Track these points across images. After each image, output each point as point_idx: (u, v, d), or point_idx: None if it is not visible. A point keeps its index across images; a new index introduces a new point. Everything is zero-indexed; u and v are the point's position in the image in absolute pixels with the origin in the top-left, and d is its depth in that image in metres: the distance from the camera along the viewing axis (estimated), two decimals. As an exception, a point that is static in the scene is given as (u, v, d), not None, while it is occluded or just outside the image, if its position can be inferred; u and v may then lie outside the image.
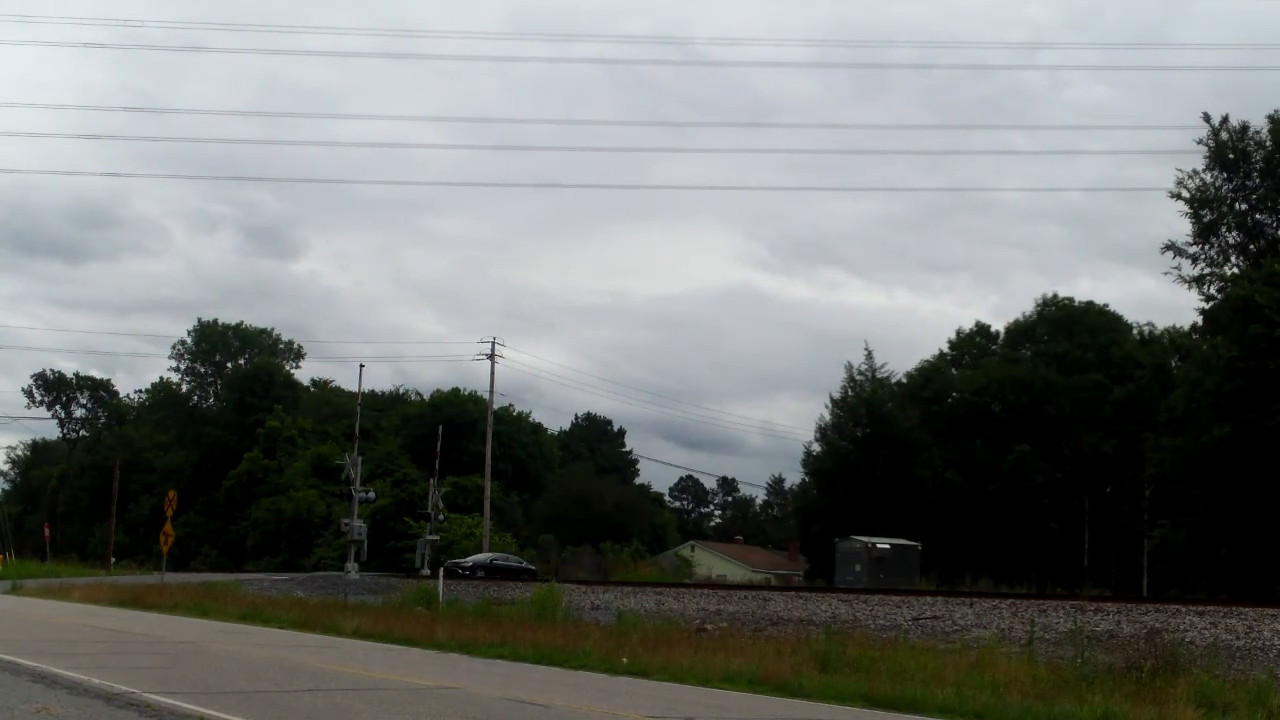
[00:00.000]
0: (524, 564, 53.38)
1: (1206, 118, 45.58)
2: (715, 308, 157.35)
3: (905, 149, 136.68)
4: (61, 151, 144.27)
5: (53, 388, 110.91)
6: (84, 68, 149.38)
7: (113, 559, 70.19)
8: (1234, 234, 46.04)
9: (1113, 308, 65.35)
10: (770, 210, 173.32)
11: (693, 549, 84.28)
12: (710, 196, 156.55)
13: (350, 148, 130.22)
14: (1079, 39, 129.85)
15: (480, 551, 57.38)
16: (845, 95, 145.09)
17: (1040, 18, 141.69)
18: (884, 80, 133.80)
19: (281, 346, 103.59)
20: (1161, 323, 59.92)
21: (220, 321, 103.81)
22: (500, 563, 51.28)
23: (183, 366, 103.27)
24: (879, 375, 62.40)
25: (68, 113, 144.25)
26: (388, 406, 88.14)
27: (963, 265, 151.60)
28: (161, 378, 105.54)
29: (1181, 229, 46.31)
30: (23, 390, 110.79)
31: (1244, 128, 45.23)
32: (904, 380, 63.37)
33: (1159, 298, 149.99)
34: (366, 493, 51.02)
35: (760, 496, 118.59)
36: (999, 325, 68.75)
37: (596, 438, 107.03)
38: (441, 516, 56.42)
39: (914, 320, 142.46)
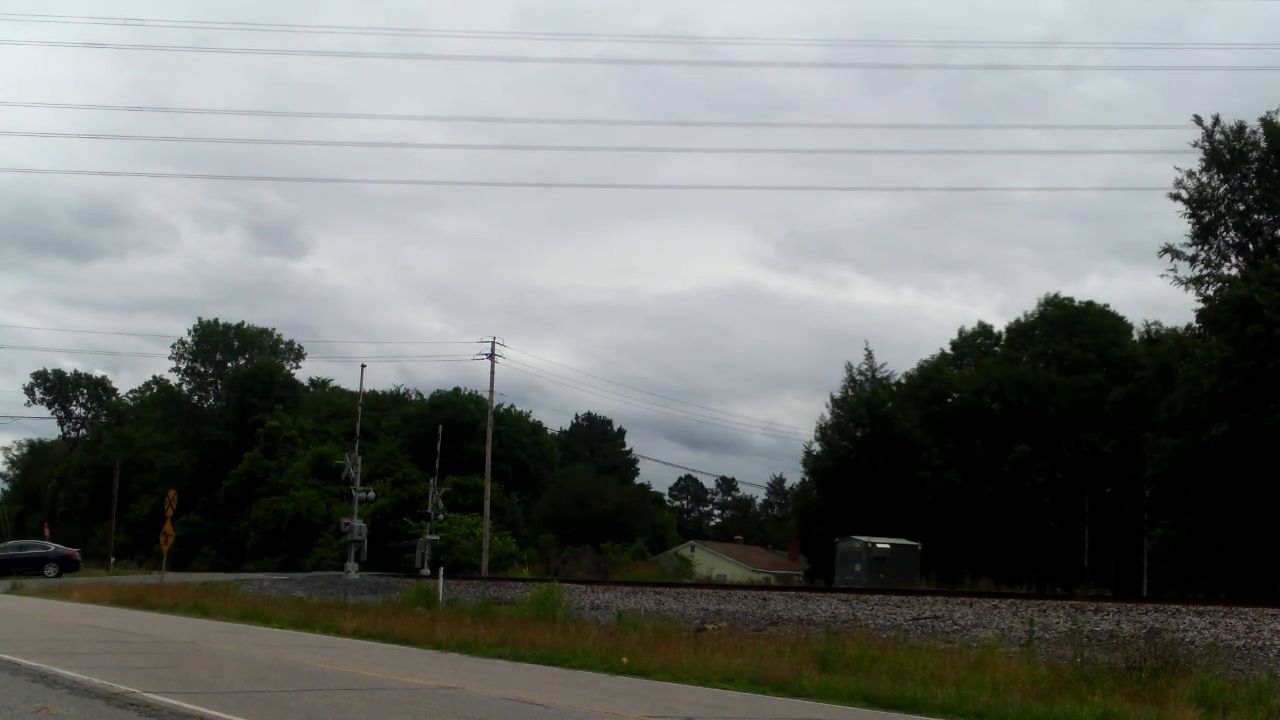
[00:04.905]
0: (49, 549, 48.31)
1: (1198, 120, 45.65)
2: (721, 306, 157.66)
3: (917, 146, 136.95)
4: (68, 150, 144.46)
5: (53, 387, 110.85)
6: (89, 66, 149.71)
7: (113, 559, 70.26)
8: (1232, 234, 46.04)
9: (1123, 306, 65.96)
10: (778, 208, 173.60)
11: (693, 549, 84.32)
12: (717, 194, 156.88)
13: (356, 146, 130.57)
14: (1096, 34, 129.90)
15: (480, 553, 57.33)
16: (857, 92, 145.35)
17: (1057, 13, 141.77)
18: (896, 77, 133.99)
19: (282, 347, 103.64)
20: (1170, 322, 59.88)
21: (221, 321, 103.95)
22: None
23: (183, 366, 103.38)
24: (879, 375, 62.49)
25: (74, 111, 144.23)
26: (388, 406, 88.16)
27: (972, 263, 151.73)
28: (155, 376, 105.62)
29: (1185, 229, 46.41)
30: (23, 389, 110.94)
31: (1241, 128, 45.25)
32: (904, 380, 63.41)
33: (1169, 296, 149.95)
34: (366, 493, 50.98)
35: (760, 496, 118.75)
36: (1006, 323, 68.83)
37: (597, 438, 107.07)
38: (441, 516, 56.39)
39: (920, 319, 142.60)
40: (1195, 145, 45.48)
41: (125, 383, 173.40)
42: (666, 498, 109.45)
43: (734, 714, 11.42)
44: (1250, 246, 45.58)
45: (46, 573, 45.01)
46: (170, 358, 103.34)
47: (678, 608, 28.04)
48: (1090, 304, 64.88)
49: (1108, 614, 22.40)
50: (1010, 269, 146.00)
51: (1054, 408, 57.09)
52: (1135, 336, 62.87)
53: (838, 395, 61.75)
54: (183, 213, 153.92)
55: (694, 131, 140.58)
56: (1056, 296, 65.24)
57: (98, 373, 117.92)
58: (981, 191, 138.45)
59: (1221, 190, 45.79)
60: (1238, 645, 18.86)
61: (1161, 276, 46.62)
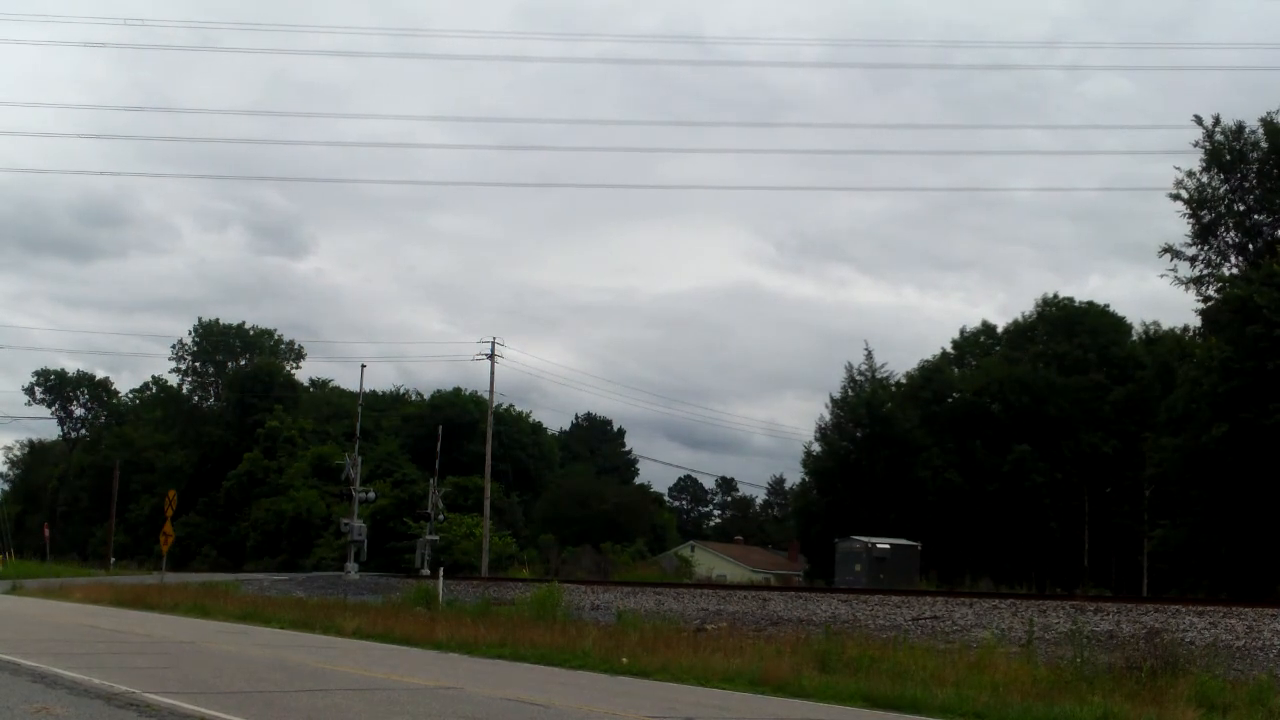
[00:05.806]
0: None
1: (1199, 120, 45.65)
2: (721, 306, 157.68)
3: (918, 146, 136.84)
4: (69, 150, 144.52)
5: (53, 387, 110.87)
6: (91, 66, 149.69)
7: (112, 559, 70.24)
8: (1232, 234, 46.03)
9: (1123, 306, 65.86)
10: (779, 208, 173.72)
11: (693, 549, 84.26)
12: (718, 194, 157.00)
13: (357, 146, 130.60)
14: (1098, 33, 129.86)
15: (480, 553, 57.31)
16: (859, 92, 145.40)
17: (1059, 12, 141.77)
18: (898, 77, 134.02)
19: (283, 347, 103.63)
20: (1171, 321, 59.95)
21: (221, 321, 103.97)
22: None
23: (183, 366, 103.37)
24: (879, 375, 62.46)
25: (75, 111, 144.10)
26: (388, 406, 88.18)
27: (973, 263, 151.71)
28: (154, 376, 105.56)
29: (1185, 229, 46.42)
30: (23, 389, 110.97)
31: (1240, 128, 45.25)
32: (904, 380, 63.40)
33: (1169, 296, 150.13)
34: (366, 493, 50.99)
35: (760, 496, 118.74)
36: (1005, 323, 68.81)
37: (596, 438, 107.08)
38: (441, 517, 56.38)
39: (921, 319, 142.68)
40: (1195, 145, 45.56)
41: (125, 383, 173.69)
42: (666, 498, 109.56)
43: (734, 714, 11.42)
44: (1250, 247, 45.57)
45: None
46: (170, 358, 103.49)
47: (677, 608, 28.03)
48: (1090, 304, 64.95)
49: (1108, 614, 22.40)
50: (1011, 269, 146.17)
51: (1054, 408, 57.07)
52: (1135, 337, 62.90)
53: (838, 395, 61.76)
54: (184, 212, 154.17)
55: (695, 131, 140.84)
56: (1055, 297, 65.37)
57: (98, 373, 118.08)
58: (982, 191, 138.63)
59: (1221, 190, 45.79)
60: (1237, 645, 18.86)
61: (1162, 276, 46.73)
